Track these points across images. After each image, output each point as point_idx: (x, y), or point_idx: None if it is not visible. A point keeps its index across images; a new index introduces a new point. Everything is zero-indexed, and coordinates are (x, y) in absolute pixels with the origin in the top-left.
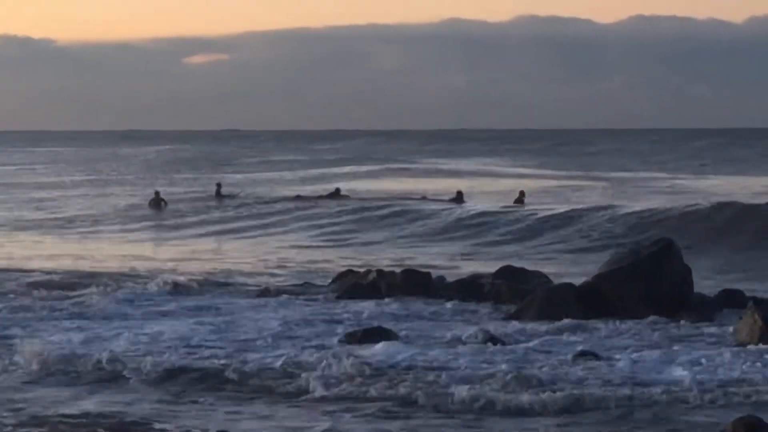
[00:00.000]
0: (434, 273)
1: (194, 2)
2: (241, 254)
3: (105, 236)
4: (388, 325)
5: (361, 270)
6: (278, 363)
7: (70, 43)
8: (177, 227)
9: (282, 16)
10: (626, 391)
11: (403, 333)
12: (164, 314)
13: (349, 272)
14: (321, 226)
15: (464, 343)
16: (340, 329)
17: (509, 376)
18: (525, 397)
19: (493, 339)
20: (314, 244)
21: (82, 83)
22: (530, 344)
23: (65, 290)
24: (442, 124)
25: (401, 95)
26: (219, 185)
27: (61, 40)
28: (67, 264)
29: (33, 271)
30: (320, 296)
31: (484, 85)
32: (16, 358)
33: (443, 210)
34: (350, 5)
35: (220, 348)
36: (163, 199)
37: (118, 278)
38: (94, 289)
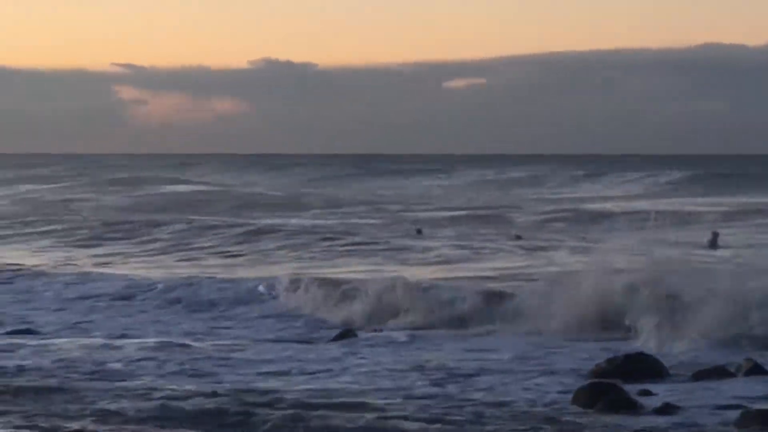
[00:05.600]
0: None
1: (454, 27)
2: None
3: None
4: None
5: None
6: None
7: (331, 66)
8: None
9: (539, 40)
10: None
11: None
12: None
13: None
14: None
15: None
16: None
17: None
18: None
19: (757, 368)
20: None
21: (342, 107)
22: None
23: None
24: (701, 149)
25: (658, 121)
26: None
27: (323, 64)
28: None
29: None
30: None
31: (745, 111)
32: None
33: None
34: (608, 29)
35: None
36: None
37: None
38: None
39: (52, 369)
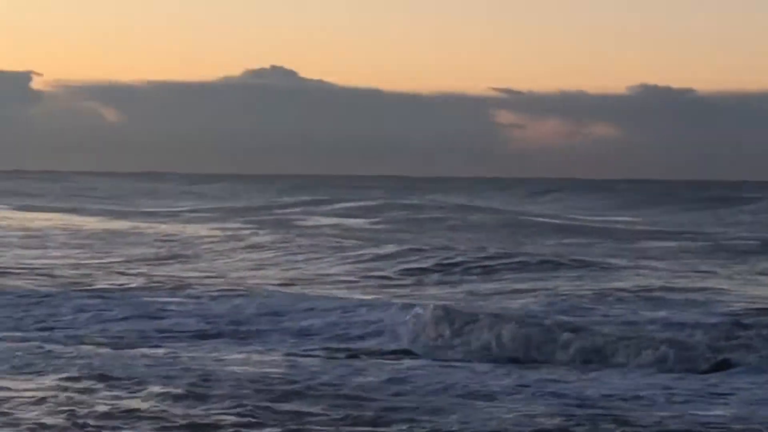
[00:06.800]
0: None
1: None
2: None
3: None
4: None
5: None
6: None
7: (711, 92)
8: None
9: None
10: None
11: None
12: None
13: None
14: None
15: None
16: None
17: None
18: None
19: None
20: None
21: (720, 134)
22: None
23: None
24: None
25: None
26: None
27: (702, 90)
28: None
29: None
30: None
31: None
32: None
33: None
34: None
35: None
36: None
37: None
38: None
39: None
